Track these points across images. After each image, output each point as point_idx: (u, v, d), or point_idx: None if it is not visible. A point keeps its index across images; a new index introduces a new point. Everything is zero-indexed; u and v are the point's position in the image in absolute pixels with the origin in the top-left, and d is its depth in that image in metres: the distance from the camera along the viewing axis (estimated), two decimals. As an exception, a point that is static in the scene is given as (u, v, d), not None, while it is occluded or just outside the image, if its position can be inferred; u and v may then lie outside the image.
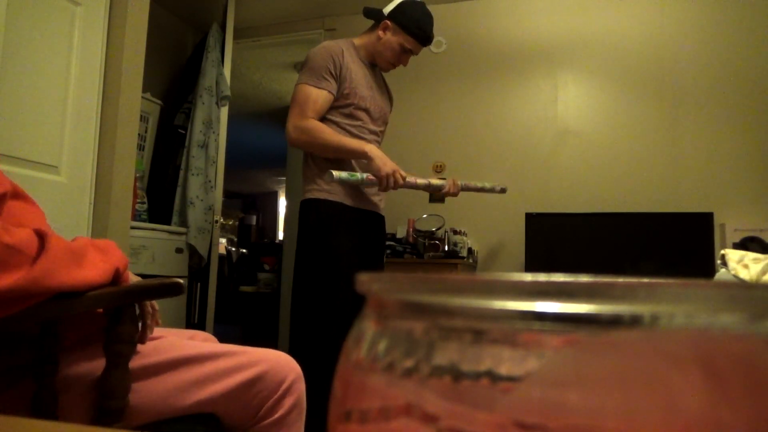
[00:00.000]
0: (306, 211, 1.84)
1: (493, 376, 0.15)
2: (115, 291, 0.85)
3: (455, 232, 3.27)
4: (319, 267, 1.78)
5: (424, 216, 3.34)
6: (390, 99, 2.09)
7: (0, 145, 1.88)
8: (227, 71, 3.76)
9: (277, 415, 0.95)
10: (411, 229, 3.32)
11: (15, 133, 1.93)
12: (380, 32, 1.91)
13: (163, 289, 0.88)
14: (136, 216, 3.16)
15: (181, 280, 0.90)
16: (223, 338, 1.18)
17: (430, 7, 1.98)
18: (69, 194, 2.12)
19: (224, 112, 3.74)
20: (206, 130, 3.58)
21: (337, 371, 0.19)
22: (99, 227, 2.21)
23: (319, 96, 1.80)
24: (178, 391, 0.89)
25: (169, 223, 3.44)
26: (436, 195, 2.00)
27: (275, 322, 4.42)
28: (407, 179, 1.82)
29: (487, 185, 2.15)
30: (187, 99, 3.72)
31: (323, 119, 1.83)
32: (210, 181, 3.58)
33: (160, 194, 3.57)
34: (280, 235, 8.31)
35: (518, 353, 0.15)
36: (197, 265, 3.55)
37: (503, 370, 0.15)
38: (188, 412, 0.90)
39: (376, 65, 2.01)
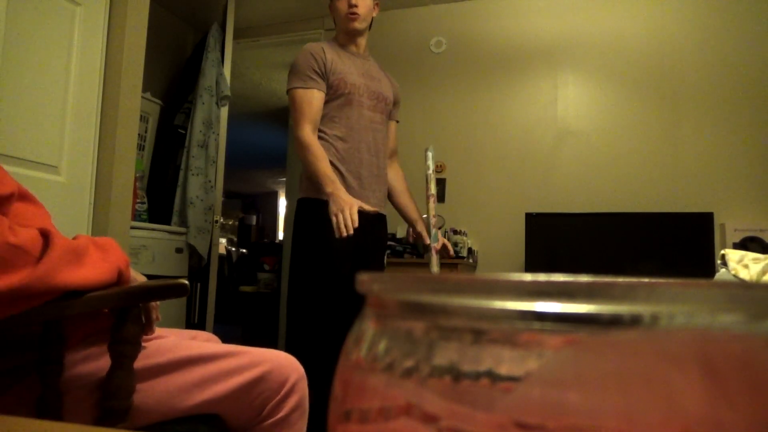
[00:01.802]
0: (301, 210, 1.83)
1: (493, 376, 0.15)
2: (120, 292, 0.85)
3: (455, 232, 3.27)
4: (314, 266, 1.76)
5: (424, 216, 3.34)
6: (393, 87, 2.05)
7: (0, 145, 1.88)
8: (227, 71, 3.76)
9: (279, 415, 0.95)
10: (411, 230, 3.32)
11: (15, 133, 1.93)
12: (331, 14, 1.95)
13: (169, 290, 0.88)
14: (136, 216, 3.16)
15: (187, 281, 0.90)
16: (223, 338, 1.18)
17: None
18: (69, 194, 2.12)
19: (224, 112, 3.75)
20: (206, 130, 3.58)
21: (337, 371, 0.19)
22: (99, 227, 2.21)
23: (311, 97, 1.80)
24: (181, 392, 0.89)
25: (169, 223, 3.44)
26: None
27: (275, 322, 4.42)
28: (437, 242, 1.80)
29: (432, 179, 1.82)
30: (187, 99, 3.72)
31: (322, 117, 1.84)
32: (210, 181, 3.58)
33: (160, 194, 3.57)
34: (280, 235, 8.31)
35: (518, 353, 0.15)
36: (197, 265, 3.55)
37: (503, 370, 0.15)
38: (191, 412, 0.90)
39: (370, 56, 2.00)
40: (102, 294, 0.83)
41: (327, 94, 1.83)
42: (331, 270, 1.74)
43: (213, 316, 3.56)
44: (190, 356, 0.92)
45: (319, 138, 1.82)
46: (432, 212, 1.78)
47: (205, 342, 1.02)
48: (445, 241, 1.93)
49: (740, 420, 0.13)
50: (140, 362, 0.88)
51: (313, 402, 1.70)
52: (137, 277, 0.97)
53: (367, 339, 0.18)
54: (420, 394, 0.16)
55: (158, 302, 0.97)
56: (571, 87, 3.36)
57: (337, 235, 1.63)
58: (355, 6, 1.86)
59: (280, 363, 0.98)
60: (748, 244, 2.80)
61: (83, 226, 2.17)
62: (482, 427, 0.14)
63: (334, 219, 1.63)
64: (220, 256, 6.01)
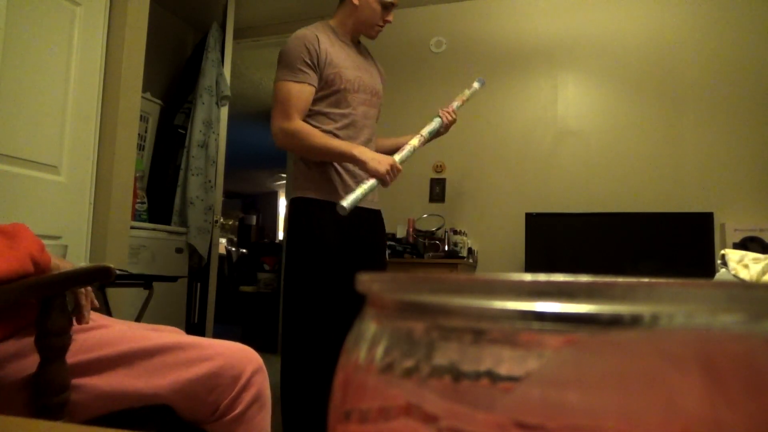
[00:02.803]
0: (294, 210, 1.79)
1: (493, 376, 0.15)
2: (35, 281, 0.78)
3: (455, 232, 3.27)
4: (308, 266, 1.72)
5: (424, 216, 3.34)
6: (381, 75, 1.97)
7: (0, 145, 1.88)
8: (227, 71, 3.76)
9: (236, 411, 0.92)
10: (411, 229, 3.32)
11: (15, 133, 1.93)
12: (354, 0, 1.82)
13: (92, 274, 0.82)
14: (136, 216, 3.16)
15: (112, 265, 0.84)
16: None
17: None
18: (69, 194, 2.12)
19: (224, 112, 3.75)
20: (206, 130, 3.59)
21: (337, 371, 0.19)
22: (99, 227, 2.21)
23: (300, 91, 1.70)
24: (125, 384, 0.86)
25: (169, 223, 3.44)
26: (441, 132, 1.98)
27: (275, 322, 4.43)
28: (405, 149, 1.78)
29: (467, 92, 2.09)
30: (187, 99, 3.72)
31: (310, 112, 1.75)
32: (210, 181, 3.58)
33: (160, 194, 3.57)
34: (280, 235, 8.31)
35: (518, 353, 0.15)
36: (197, 265, 3.55)
37: (503, 370, 0.15)
38: (137, 404, 0.87)
39: (360, 42, 1.91)
40: (12, 286, 0.76)
41: (321, 89, 1.74)
42: (323, 269, 1.71)
43: (213, 316, 3.56)
44: (135, 349, 0.89)
45: None
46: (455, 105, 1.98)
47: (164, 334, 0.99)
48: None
49: (740, 420, 0.13)
50: (82, 355, 0.84)
51: (313, 402, 1.70)
52: (62, 264, 0.91)
53: (367, 339, 0.18)
54: (420, 394, 0.16)
55: (89, 288, 0.92)
56: (571, 87, 3.36)
57: (385, 185, 1.71)
58: (390, 21, 1.83)
59: (234, 356, 0.94)
60: (748, 244, 2.80)
61: (83, 226, 2.17)
62: (482, 427, 0.14)
63: (382, 175, 1.67)
64: (220, 256, 6.01)
